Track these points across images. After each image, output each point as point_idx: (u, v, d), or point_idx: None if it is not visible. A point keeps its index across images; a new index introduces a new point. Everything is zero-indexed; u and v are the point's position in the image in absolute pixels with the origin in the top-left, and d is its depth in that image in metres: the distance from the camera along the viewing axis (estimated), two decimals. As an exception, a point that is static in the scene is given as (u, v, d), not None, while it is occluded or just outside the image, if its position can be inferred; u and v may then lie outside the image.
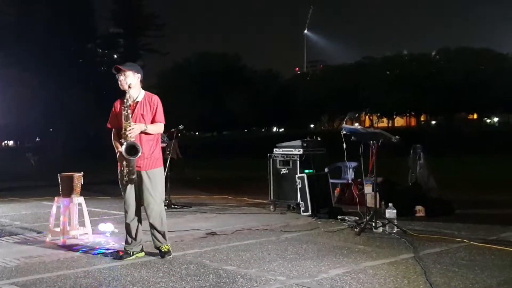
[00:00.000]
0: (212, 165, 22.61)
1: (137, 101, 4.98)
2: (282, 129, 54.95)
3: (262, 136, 43.50)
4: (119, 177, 5.01)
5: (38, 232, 6.45)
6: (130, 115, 4.85)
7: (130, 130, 4.80)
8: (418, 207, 7.37)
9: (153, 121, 4.99)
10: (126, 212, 5.02)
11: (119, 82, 4.99)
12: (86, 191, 6.31)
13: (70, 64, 37.06)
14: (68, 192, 5.84)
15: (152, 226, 5.01)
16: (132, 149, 4.78)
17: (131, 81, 4.95)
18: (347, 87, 40.43)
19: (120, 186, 5.03)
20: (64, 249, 5.43)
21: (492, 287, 3.89)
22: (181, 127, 8.86)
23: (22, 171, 19.69)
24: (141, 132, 4.90)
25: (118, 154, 4.97)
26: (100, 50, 47.52)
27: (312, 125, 53.78)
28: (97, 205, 9.02)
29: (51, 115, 34.51)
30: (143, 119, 4.95)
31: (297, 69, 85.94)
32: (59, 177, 5.92)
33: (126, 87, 4.92)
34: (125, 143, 4.79)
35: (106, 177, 14.42)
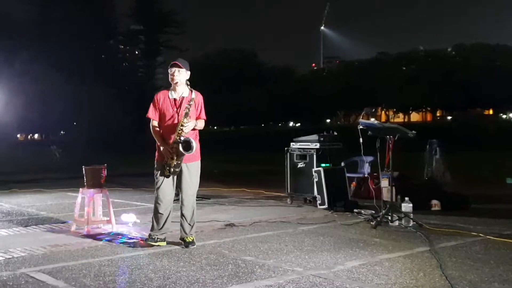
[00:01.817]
0: (230, 158, 22.68)
1: (183, 97, 5.13)
2: (299, 124, 54.80)
3: (279, 130, 43.45)
4: (157, 168, 5.13)
5: (64, 222, 6.59)
6: (189, 112, 5.00)
7: (186, 126, 4.97)
8: (434, 201, 7.39)
9: (197, 118, 5.16)
10: (161, 201, 5.10)
11: (170, 76, 5.09)
12: (109, 183, 6.43)
13: (93, 60, 37.58)
14: (92, 183, 5.99)
15: (183, 216, 5.14)
16: (188, 144, 4.94)
17: (184, 77, 5.10)
18: (363, 82, 40.22)
19: (157, 176, 5.12)
20: (89, 238, 5.57)
21: (507, 281, 3.89)
22: None
23: (47, 164, 19.87)
24: None
25: (162, 147, 5.05)
26: (122, 47, 48.10)
27: (328, 120, 53.62)
28: (119, 196, 9.17)
29: (75, 110, 34.99)
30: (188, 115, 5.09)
31: (313, 64, 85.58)
32: (83, 169, 6.06)
33: (182, 82, 5.07)
34: (182, 139, 4.94)
35: (128, 169, 14.61)
